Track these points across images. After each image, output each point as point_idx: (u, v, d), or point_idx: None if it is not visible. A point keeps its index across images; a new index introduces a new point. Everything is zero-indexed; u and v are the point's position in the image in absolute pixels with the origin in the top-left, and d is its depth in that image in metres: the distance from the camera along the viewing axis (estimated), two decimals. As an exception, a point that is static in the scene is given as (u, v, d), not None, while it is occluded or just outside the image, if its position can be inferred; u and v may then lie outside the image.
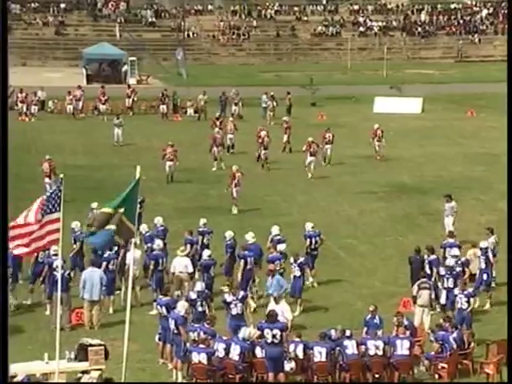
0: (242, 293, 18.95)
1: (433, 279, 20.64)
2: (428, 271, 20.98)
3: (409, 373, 17.31)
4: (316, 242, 23.25)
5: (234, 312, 18.48)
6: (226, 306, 18.68)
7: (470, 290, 19.49)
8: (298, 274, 21.07)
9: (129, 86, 52.13)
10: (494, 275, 21.71)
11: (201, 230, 23.74)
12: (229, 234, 22.89)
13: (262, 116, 48.42)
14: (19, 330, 19.83)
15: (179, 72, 64.55)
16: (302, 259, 21.32)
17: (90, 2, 78.53)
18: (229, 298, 18.68)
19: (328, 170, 36.87)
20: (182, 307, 17.73)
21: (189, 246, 22.56)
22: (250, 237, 22.38)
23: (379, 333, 17.76)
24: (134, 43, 72.48)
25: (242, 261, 21.51)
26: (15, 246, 15.31)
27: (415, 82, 63.45)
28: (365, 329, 18.21)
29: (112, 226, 14.91)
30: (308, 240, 23.17)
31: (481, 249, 21.86)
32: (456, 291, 19.35)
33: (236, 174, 30.22)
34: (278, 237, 22.90)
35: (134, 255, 21.01)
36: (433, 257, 21.17)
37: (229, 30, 78.28)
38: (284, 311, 18.63)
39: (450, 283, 19.96)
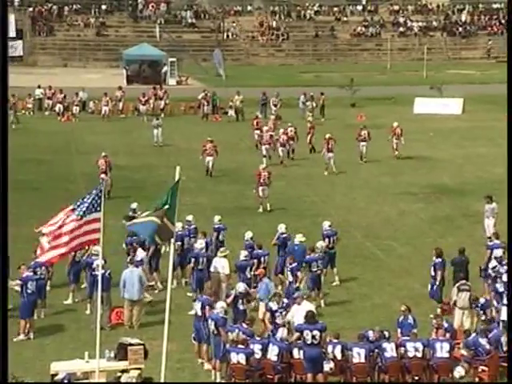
0: (285, 300, 18.74)
1: (437, 282, 20.71)
2: (432, 273, 20.98)
3: (448, 375, 17.20)
4: (333, 241, 23.26)
5: (278, 321, 18.30)
6: (271, 314, 18.55)
7: (483, 300, 19.25)
8: (290, 279, 20.87)
9: (161, 88, 51.79)
10: None
11: (216, 226, 23.88)
12: (248, 234, 23.01)
13: (301, 116, 48.42)
14: (60, 329, 20.08)
15: (218, 73, 64.74)
16: (294, 264, 21.06)
17: (131, 3, 79.08)
18: (274, 306, 18.55)
19: (367, 171, 36.74)
20: (221, 308, 17.79)
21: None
22: (297, 239, 22.38)
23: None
24: (173, 44, 72.84)
25: (255, 260, 21.51)
26: (49, 249, 15.40)
27: (456, 82, 62.93)
28: (398, 330, 18.12)
29: (156, 221, 14.94)
30: (326, 239, 23.19)
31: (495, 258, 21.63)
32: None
33: (262, 173, 30.25)
34: (284, 235, 23.06)
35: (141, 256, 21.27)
36: (438, 260, 21.03)
37: (268, 30, 78.33)
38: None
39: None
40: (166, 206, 14.88)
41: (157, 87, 51.58)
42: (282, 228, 23.32)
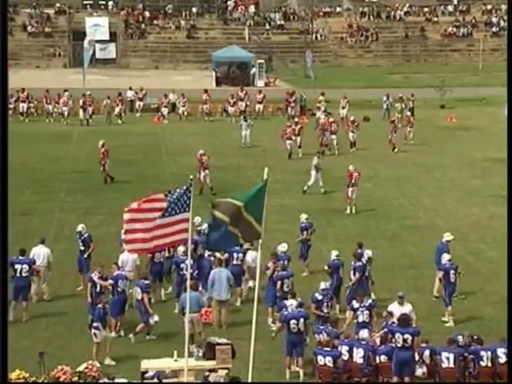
0: (369, 301, 18.70)
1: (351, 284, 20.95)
2: (352, 276, 21.07)
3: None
4: (310, 233, 23.80)
5: (360, 319, 18.35)
6: (353, 313, 18.61)
7: None
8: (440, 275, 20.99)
9: (242, 90, 51.77)
10: None
11: (303, 225, 24.32)
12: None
13: (386, 117, 48.10)
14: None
15: (307, 74, 64.71)
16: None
17: (221, 5, 79.77)
18: (356, 304, 18.61)
19: (456, 173, 36.25)
20: (297, 304, 18.05)
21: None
22: (445, 238, 22.31)
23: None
24: (262, 46, 73.17)
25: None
26: (130, 240, 15.62)
27: (550, 83, 61.40)
28: None
29: (230, 228, 15.04)
30: (304, 232, 23.82)
31: None
32: None
33: (353, 174, 30.20)
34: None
35: (125, 258, 20.98)
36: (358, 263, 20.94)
37: (357, 31, 77.96)
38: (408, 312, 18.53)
39: None
40: (240, 204, 14.97)
41: (245, 89, 51.74)
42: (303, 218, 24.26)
